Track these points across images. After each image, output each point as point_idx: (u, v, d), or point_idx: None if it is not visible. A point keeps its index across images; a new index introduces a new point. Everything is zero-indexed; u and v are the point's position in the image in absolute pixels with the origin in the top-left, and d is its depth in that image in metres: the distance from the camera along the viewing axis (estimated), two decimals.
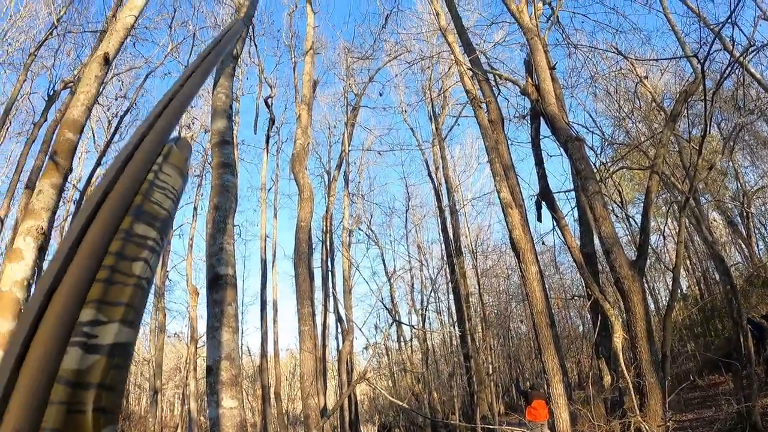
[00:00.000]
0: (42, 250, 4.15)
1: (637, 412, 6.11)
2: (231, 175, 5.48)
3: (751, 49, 11.26)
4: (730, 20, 7.76)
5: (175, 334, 29.41)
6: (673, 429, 10.68)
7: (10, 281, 3.82)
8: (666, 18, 13.16)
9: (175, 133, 0.66)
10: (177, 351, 37.10)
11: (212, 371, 4.49)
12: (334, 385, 24.70)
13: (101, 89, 5.10)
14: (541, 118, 9.78)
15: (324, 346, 20.28)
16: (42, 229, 4.08)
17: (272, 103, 20.10)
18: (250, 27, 13.03)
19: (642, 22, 47.20)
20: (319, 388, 16.47)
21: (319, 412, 10.79)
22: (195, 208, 23.58)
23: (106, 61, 4.93)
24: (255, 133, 21.61)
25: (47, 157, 4.39)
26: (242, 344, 24.04)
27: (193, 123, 24.16)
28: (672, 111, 8.86)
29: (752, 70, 12.71)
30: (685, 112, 11.14)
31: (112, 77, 18.25)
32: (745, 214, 24.54)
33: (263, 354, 19.21)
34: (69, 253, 0.50)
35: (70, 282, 0.49)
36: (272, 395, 19.32)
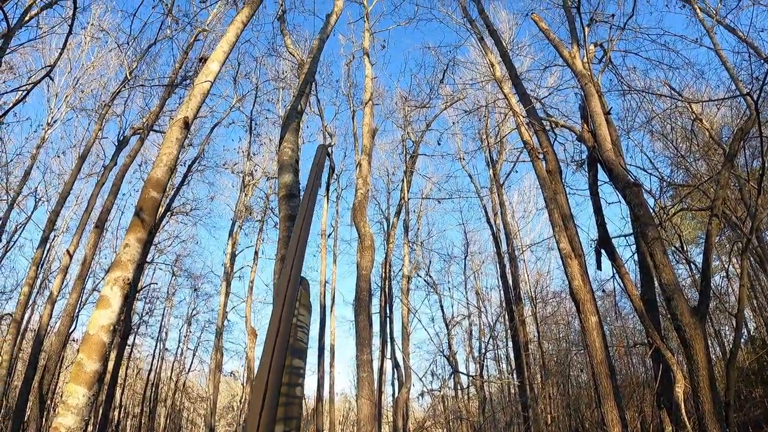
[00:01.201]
0: (126, 298, 4.50)
1: None
2: None
3: None
4: None
5: (231, 373, 29.90)
6: None
7: (98, 326, 4.17)
8: (717, 54, 13.08)
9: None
10: (231, 389, 37.56)
11: None
12: (389, 431, 24.50)
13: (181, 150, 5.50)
14: (599, 165, 9.80)
15: (380, 392, 20.26)
16: (128, 279, 4.45)
17: (332, 152, 20.68)
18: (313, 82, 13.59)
19: (694, 56, 46.60)
20: None
21: None
22: (256, 252, 24.19)
23: (186, 125, 5.35)
24: (327, 191, 22.15)
25: (134, 214, 4.77)
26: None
27: (255, 170, 25.09)
28: (729, 151, 8.76)
29: None
30: (744, 146, 10.95)
31: None
32: None
33: (319, 398, 19.35)
34: (265, 387, 0.75)
35: (268, 409, 0.74)
36: None
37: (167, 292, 31.14)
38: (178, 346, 33.31)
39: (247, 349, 21.97)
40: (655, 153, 21.30)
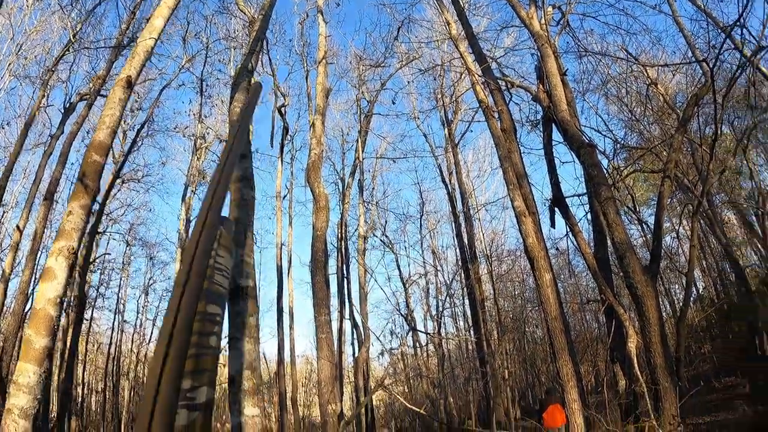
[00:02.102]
0: (72, 268, 4.32)
1: (652, 415, 6.15)
2: (249, 188, 5.61)
3: (762, 51, 11.29)
4: (740, 21, 7.78)
5: None
6: None
7: (44, 299, 3.99)
8: (675, 21, 13.19)
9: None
10: None
11: (234, 381, 4.61)
12: (350, 391, 24.79)
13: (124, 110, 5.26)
14: (553, 125, 9.83)
15: (340, 352, 20.39)
16: (72, 249, 4.26)
17: (285, 112, 20.33)
18: (264, 40, 13.21)
19: (652, 23, 47.14)
20: (336, 395, 16.56)
21: (336, 418, 10.90)
22: None
23: (129, 85, 5.10)
24: (272, 146, 21.74)
25: (76, 180, 4.56)
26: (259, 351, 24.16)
27: (207, 133, 24.49)
28: (683, 115, 8.92)
29: (764, 70, 12.69)
30: (698, 112, 11.16)
31: None
32: (760, 214, 24.43)
33: (280, 361, 19.36)
34: (169, 338, 0.65)
35: (173, 361, 0.65)
36: (289, 402, 19.46)
37: (122, 262, 30.50)
38: (137, 317, 32.82)
39: None
40: (610, 116, 21.59)
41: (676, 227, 24.45)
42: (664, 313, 22.81)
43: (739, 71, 10.00)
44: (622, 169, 12.71)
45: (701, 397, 15.29)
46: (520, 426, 19.20)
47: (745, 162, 24.69)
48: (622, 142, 15.79)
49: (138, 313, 32.57)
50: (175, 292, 0.72)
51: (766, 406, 9.89)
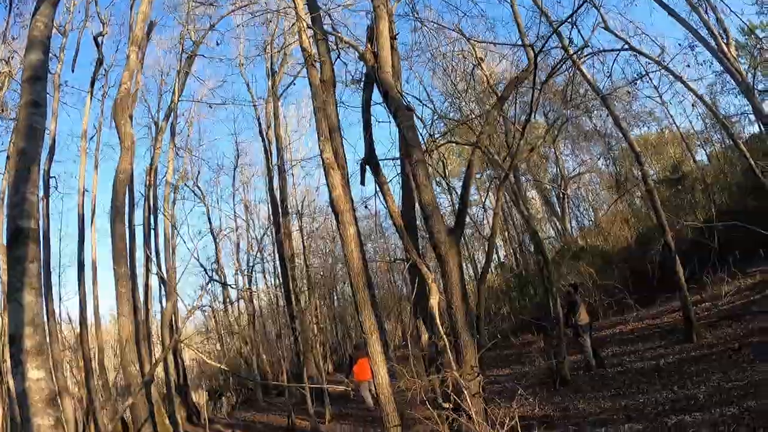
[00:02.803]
0: None
1: (454, 367, 6.44)
2: (40, 116, 4.87)
3: (585, 51, 12.33)
4: (570, 20, 8.22)
5: None
6: (491, 383, 11.60)
7: None
8: (511, 7, 13.74)
9: None
10: None
11: (15, 340, 4.09)
12: (161, 350, 23.64)
13: None
14: (375, 86, 9.81)
15: (147, 309, 19.18)
16: None
17: (102, 42, 18.30)
18: None
19: (490, 11, 49.56)
20: (143, 355, 15.58)
21: (141, 379, 10.19)
22: (8, 157, 20.55)
23: None
24: (72, 71, 19.47)
25: None
26: (61, 311, 22.04)
27: (12, 57, 21.01)
28: (502, 93, 9.31)
29: (584, 70, 13.85)
30: (517, 99, 11.84)
31: None
32: (561, 195, 27.45)
33: (83, 321, 17.56)
34: None
35: None
36: (96, 366, 17.96)
37: None
38: None
39: None
40: (434, 89, 22.31)
41: (483, 200, 26.29)
42: (468, 277, 24.55)
43: (560, 63, 10.74)
44: (437, 138, 13.19)
45: (501, 351, 16.67)
46: (331, 380, 19.59)
47: (553, 150, 27.41)
48: (441, 113, 16.42)
49: None
50: None
51: (557, 358, 11.01)
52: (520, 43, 13.25)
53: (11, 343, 4.11)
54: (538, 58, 8.12)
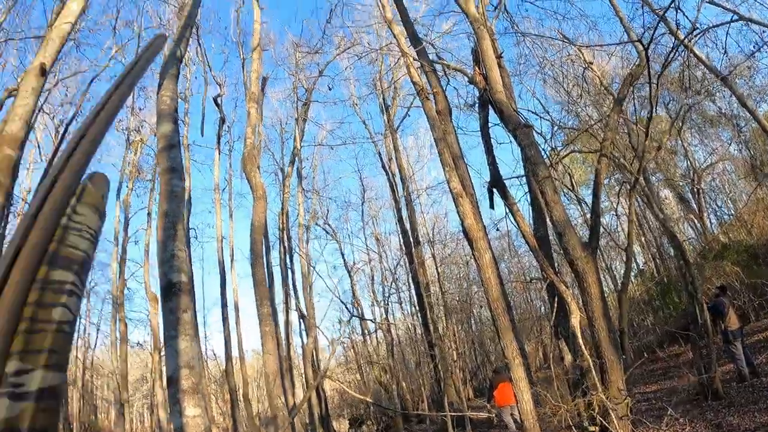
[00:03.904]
0: None
1: (599, 388, 6.22)
2: (179, 179, 5.39)
3: (696, 32, 11.59)
4: (673, 5, 7.90)
5: (138, 343, 28.71)
6: (637, 401, 11.04)
7: None
8: (611, 4, 13.37)
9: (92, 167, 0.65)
10: (142, 361, 36.26)
11: (173, 381, 4.44)
12: (303, 382, 24.63)
13: (43, 100, 4.96)
14: (490, 107, 9.84)
15: (288, 344, 20.17)
16: None
17: (222, 102, 19.85)
18: (195, 26, 12.81)
19: (588, 9, 48.13)
20: (287, 387, 16.37)
21: (287, 411, 10.75)
22: (149, 214, 22.80)
23: (43, 72, 4.78)
24: (202, 135, 21.30)
25: None
26: (207, 348, 23.64)
27: (142, 126, 23.64)
28: (618, 95, 9.02)
29: (697, 52, 12.99)
30: (634, 95, 11.38)
31: (56, 84, 17.78)
32: (696, 191, 25.51)
33: (228, 357, 18.95)
34: None
35: None
36: (241, 398, 19.14)
37: None
38: (80, 322, 31.62)
39: (150, 317, 21.07)
40: (547, 99, 21.85)
41: (615, 206, 25.11)
42: (606, 289, 23.48)
43: (673, 53, 10.19)
44: (559, 149, 12.86)
45: (647, 367, 15.81)
46: (472, 406, 19.43)
47: (680, 142, 25.67)
48: (560, 123, 16.04)
49: (80, 318, 31.33)
50: (4, 254, 0.57)
51: (709, 371, 10.24)
52: (626, 39, 12.78)
53: (169, 384, 4.46)
54: (648, 50, 7.86)
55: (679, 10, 9.62)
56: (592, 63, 13.83)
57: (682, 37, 11.00)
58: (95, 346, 31.20)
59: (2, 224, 4.49)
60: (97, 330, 30.91)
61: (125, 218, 21.87)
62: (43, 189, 0.60)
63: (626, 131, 14.54)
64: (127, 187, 22.67)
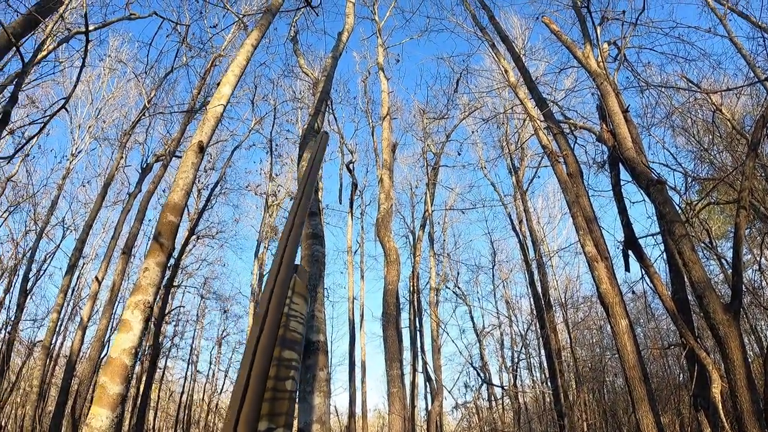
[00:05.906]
0: (147, 320, 4.56)
1: None
2: (320, 245, 5.77)
3: None
4: None
5: None
6: None
7: (120, 349, 4.21)
8: (732, 42, 12.87)
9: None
10: None
11: None
12: None
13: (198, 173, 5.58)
14: (620, 164, 9.66)
15: (413, 406, 20.12)
16: (148, 303, 4.50)
17: (354, 168, 20.79)
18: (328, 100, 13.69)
19: (709, 47, 45.89)
20: None
21: None
22: None
23: (201, 149, 5.39)
24: (340, 203, 22.23)
25: (152, 238, 4.84)
26: (330, 404, 24.12)
27: (278, 191, 25.28)
28: (751, 140, 8.56)
29: None
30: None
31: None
32: None
33: (351, 414, 19.24)
34: (246, 382, 0.74)
35: (250, 404, 0.73)
36: None
37: (197, 314, 31.45)
38: (210, 367, 33.45)
39: None
40: (678, 148, 20.89)
41: (758, 259, 23.15)
42: (750, 353, 21.51)
43: None
44: (694, 203, 12.25)
45: None
46: None
47: None
48: (693, 174, 15.27)
49: (211, 364, 33.09)
50: (250, 338, 0.81)
51: None
52: (752, 76, 12.12)
53: None
54: None
55: None
56: (721, 106, 13.23)
57: None
58: (221, 392, 32.87)
59: (163, 277, 5.02)
60: (225, 376, 32.51)
61: (259, 275, 23.12)
62: (269, 284, 0.84)
63: (764, 175, 13.65)
64: (263, 246, 24.02)
